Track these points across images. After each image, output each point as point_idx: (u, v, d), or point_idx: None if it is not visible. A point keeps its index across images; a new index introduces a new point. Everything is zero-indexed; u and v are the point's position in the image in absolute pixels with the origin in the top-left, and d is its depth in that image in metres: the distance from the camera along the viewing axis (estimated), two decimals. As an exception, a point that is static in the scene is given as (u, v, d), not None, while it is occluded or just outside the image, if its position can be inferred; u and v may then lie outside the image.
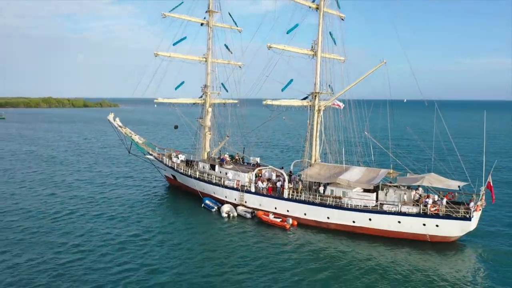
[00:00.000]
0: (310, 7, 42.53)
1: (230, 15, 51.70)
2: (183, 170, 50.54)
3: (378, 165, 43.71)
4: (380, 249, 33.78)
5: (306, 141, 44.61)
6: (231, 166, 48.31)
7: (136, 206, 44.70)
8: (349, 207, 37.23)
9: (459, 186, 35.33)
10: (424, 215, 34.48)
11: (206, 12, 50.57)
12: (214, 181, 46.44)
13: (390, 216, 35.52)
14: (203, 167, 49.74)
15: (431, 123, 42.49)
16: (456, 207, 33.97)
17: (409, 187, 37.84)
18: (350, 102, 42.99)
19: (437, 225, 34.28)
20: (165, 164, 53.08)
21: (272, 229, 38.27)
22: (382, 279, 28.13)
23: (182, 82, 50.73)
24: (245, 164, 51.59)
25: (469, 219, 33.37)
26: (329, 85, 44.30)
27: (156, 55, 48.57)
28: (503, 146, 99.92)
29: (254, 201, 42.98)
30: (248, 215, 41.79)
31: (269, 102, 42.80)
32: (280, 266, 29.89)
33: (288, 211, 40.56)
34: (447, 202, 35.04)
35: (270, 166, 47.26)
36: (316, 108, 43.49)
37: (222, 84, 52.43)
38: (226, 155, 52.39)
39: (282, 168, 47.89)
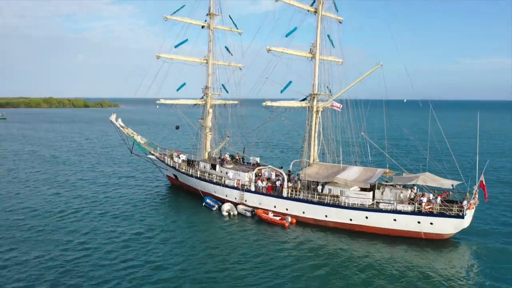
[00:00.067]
0: (308, 10, 43.49)
1: (231, 18, 52.69)
2: (185, 169, 51.36)
3: (374, 165, 44.75)
4: (377, 246, 34.59)
5: (304, 142, 45.45)
6: (231, 166, 49.10)
7: (139, 205, 45.63)
8: (347, 205, 38.07)
9: (452, 185, 36.27)
10: (419, 213, 35.43)
11: (207, 15, 51.46)
12: (215, 181, 47.26)
13: (386, 214, 36.47)
14: (204, 167, 50.61)
15: (433, 123, 43.37)
16: (449, 206, 34.93)
17: (404, 186, 38.79)
18: (348, 102, 43.89)
19: (431, 223, 35.25)
20: (167, 164, 53.92)
21: (271, 227, 39.15)
22: (379, 275, 28.90)
23: (184, 84, 51.70)
24: (245, 163, 52.38)
25: (462, 217, 34.33)
26: (327, 87, 45.23)
27: (158, 57, 49.47)
28: (501, 146, 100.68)
29: (254, 200, 43.82)
30: (248, 214, 42.60)
31: (268, 103, 43.66)
32: (280, 263, 30.77)
33: (287, 209, 41.40)
34: (441, 201, 36.07)
35: (269, 166, 48.04)
36: (315, 109, 44.44)
37: (222, 85, 53.32)
38: (226, 155, 53.31)
39: (282, 167, 48.83)
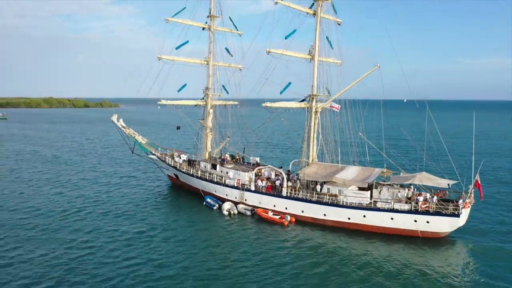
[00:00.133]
0: (307, 13, 44.12)
1: (231, 19, 53.30)
2: (185, 169, 51.95)
3: (372, 165, 45.33)
4: (375, 244, 35.16)
5: (304, 142, 46.03)
6: (231, 166, 49.64)
7: (141, 205, 46.26)
8: (345, 204, 38.68)
9: (448, 184, 36.91)
10: (416, 212, 36.06)
11: (208, 17, 52.09)
12: (215, 180, 47.83)
13: (384, 213, 37.10)
14: (205, 167, 51.21)
15: (431, 123, 44.05)
16: (445, 204, 35.58)
17: (401, 186, 39.43)
18: (346, 102, 44.47)
19: (427, 222, 35.89)
20: (168, 164, 54.54)
21: (271, 226, 39.76)
22: (377, 272, 29.45)
23: (185, 85, 52.37)
24: (245, 163, 52.96)
25: (458, 215, 34.96)
26: (326, 88, 45.87)
27: (160, 59, 50.11)
28: (500, 146, 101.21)
29: (254, 199, 44.40)
30: (248, 213, 43.18)
31: (268, 104, 44.27)
32: (279, 260, 31.37)
33: (286, 208, 41.99)
34: (437, 200, 36.75)
35: (269, 166, 48.66)
36: (314, 110, 45.09)
37: (223, 86, 53.92)
38: (227, 155, 53.95)
39: (281, 167, 49.51)
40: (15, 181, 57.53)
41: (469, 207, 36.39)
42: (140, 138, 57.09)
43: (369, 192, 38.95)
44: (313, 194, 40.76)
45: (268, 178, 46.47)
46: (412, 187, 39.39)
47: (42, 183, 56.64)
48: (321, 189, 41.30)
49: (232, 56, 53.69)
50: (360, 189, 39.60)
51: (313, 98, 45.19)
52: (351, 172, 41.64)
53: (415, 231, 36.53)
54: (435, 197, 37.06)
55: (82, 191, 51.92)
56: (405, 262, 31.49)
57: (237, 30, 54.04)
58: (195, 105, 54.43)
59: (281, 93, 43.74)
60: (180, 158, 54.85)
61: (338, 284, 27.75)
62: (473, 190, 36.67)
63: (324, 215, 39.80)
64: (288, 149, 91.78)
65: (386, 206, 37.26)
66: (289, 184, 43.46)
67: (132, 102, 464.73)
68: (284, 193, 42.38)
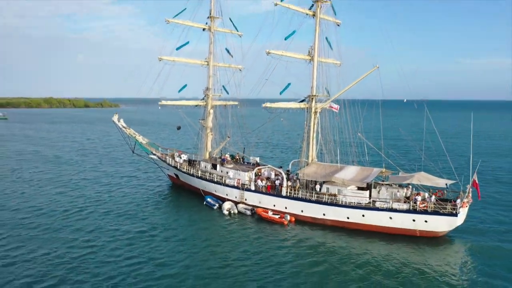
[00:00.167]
0: (307, 14, 44.49)
1: (231, 21, 53.62)
2: (186, 169, 52.30)
3: (371, 165, 45.63)
4: (374, 243, 35.45)
5: (303, 142, 46.34)
6: (231, 166, 49.95)
7: (142, 204, 46.61)
8: (344, 204, 39.01)
9: (446, 184, 37.27)
10: (414, 211, 36.39)
11: (208, 17, 52.45)
12: (215, 180, 48.17)
13: (382, 213, 37.42)
14: (205, 167, 51.56)
15: (429, 123, 44.42)
16: (443, 204, 35.91)
17: (400, 185, 39.77)
18: (345, 102, 44.81)
19: (426, 221, 36.21)
20: (168, 164, 54.88)
21: (271, 225, 40.09)
22: (376, 271, 29.74)
23: (185, 85, 52.77)
24: (245, 163, 53.29)
25: (456, 215, 35.30)
26: (325, 88, 46.24)
27: (160, 60, 50.47)
28: (499, 147, 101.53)
29: (254, 198, 44.73)
30: (248, 212, 43.51)
31: (268, 105, 44.65)
32: (279, 259, 31.70)
33: (286, 208, 42.30)
34: (435, 199, 37.11)
35: (269, 166, 49.02)
36: (313, 110, 45.46)
37: (223, 86, 54.29)
38: (227, 155, 54.32)
39: (281, 167, 49.87)
40: (16, 181, 57.89)
41: (467, 206, 36.73)
42: (140, 138, 57.44)
43: (368, 191, 39.27)
44: (312, 193, 41.08)
45: (268, 178, 46.78)
46: (410, 186, 39.77)
47: (43, 183, 56.98)
48: (320, 189, 41.62)
49: (232, 56, 54.13)
50: (359, 188, 39.93)
51: (312, 99, 45.55)
52: (350, 172, 41.96)
53: (414, 230, 36.87)
54: (433, 197, 37.41)
55: (83, 191, 52.28)
56: (404, 261, 31.77)
57: (237, 31, 54.42)
58: (196, 106, 54.78)
59: (280, 93, 44.13)
60: (181, 158, 55.17)
61: (338, 283, 28.06)
62: (471, 189, 37.01)
63: (324, 214, 40.13)
64: (288, 149, 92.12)
65: (385, 206, 37.59)
66: (289, 183, 43.77)
67: (132, 102, 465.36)
68: (283, 193, 42.70)
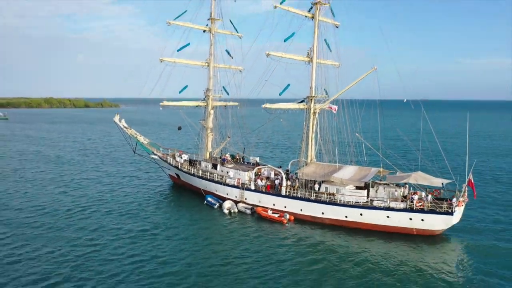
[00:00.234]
0: (306, 16, 45.13)
1: (231, 22, 54.26)
2: (187, 169, 52.86)
3: (369, 164, 46.32)
4: (372, 242, 36.12)
5: (302, 142, 46.96)
6: (232, 165, 50.53)
7: (143, 204, 47.26)
8: (342, 203, 39.64)
9: (442, 184, 37.97)
10: (411, 210, 37.09)
11: (208, 19, 53.09)
12: (216, 179, 48.77)
13: (380, 211, 38.08)
14: (206, 166, 52.17)
15: (426, 124, 45.05)
16: (440, 203, 36.60)
17: (397, 185, 40.39)
18: (344, 102, 45.40)
19: (422, 219, 36.89)
20: (169, 164, 55.45)
21: (270, 224, 40.72)
22: (374, 269, 30.40)
23: (186, 86, 53.30)
24: (245, 163, 53.89)
25: (452, 213, 35.98)
26: (324, 89, 46.90)
27: (162, 61, 51.10)
28: (498, 147, 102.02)
29: (253, 198, 45.34)
30: (248, 211, 44.12)
31: (268, 105, 45.28)
32: (279, 257, 32.35)
33: (285, 207, 42.92)
34: (432, 198, 37.79)
35: (269, 165, 49.64)
36: (312, 110, 46.11)
37: (223, 87, 54.91)
38: (227, 155, 54.96)
39: (280, 167, 50.46)
40: (19, 181, 58.50)
41: (462, 205, 37.41)
42: (141, 138, 58.00)
43: (365, 191, 39.90)
44: (311, 193, 41.69)
45: (267, 178, 47.37)
46: (407, 186, 40.39)
47: (46, 182, 57.60)
48: (319, 188, 42.24)
49: (232, 58, 54.70)
50: (357, 188, 40.57)
51: (311, 100, 46.19)
52: (349, 171, 42.58)
53: (411, 228, 37.53)
54: (429, 196, 38.10)
55: (86, 191, 52.88)
56: (401, 258, 32.43)
57: (237, 32, 55.04)
58: (196, 106, 55.37)
59: (280, 94, 44.74)
60: (182, 158, 55.76)
61: (336, 280, 28.69)
62: (466, 189, 37.67)
63: (322, 213, 40.76)
64: (287, 149, 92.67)
65: (382, 205, 38.23)
66: (288, 183, 44.36)
67: (132, 102, 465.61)
68: (283, 192, 43.31)
